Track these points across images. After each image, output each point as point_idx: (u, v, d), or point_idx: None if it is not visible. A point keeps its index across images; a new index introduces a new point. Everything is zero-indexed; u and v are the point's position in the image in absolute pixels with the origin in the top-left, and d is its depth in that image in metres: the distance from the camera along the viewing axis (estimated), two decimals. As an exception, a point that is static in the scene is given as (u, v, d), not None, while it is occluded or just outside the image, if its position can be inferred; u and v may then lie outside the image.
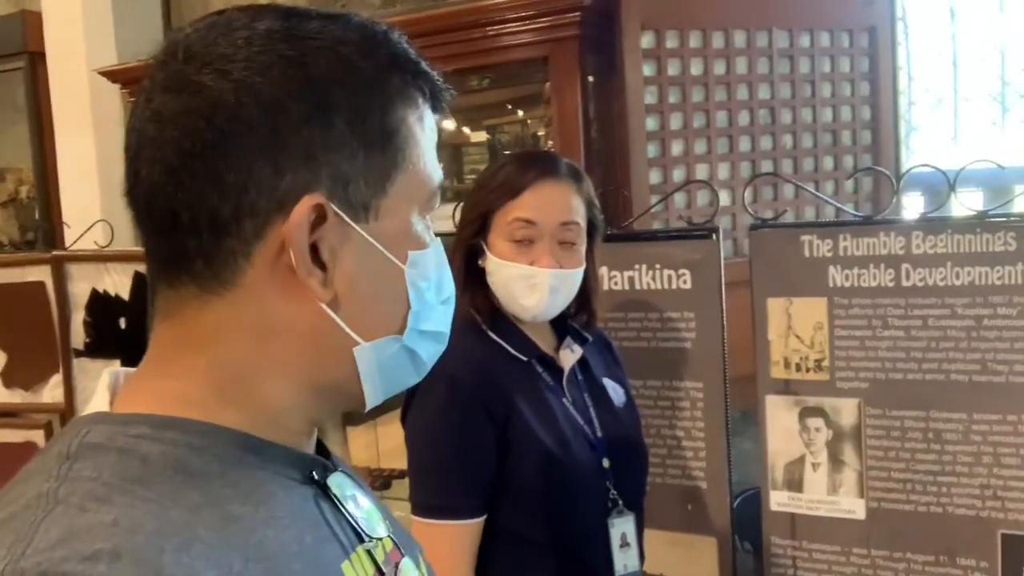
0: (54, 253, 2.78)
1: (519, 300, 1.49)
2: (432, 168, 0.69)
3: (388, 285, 0.67)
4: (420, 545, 0.83)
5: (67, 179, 3.46)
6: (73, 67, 3.37)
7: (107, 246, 2.69)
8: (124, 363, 2.73)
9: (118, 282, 2.71)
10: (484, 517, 1.44)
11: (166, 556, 0.53)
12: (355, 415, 3.24)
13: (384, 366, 0.68)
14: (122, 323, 2.71)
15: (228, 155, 0.60)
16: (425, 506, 1.44)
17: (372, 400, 0.69)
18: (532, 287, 1.47)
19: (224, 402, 0.64)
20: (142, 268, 2.67)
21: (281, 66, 0.61)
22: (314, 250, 0.63)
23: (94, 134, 3.37)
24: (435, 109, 0.70)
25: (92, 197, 3.34)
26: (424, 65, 0.68)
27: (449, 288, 0.73)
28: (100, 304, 2.73)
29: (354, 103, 0.63)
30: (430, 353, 0.72)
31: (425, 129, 0.68)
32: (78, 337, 2.75)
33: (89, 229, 2.73)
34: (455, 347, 1.46)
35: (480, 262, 1.52)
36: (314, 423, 0.70)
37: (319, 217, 0.62)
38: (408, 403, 1.49)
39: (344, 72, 0.63)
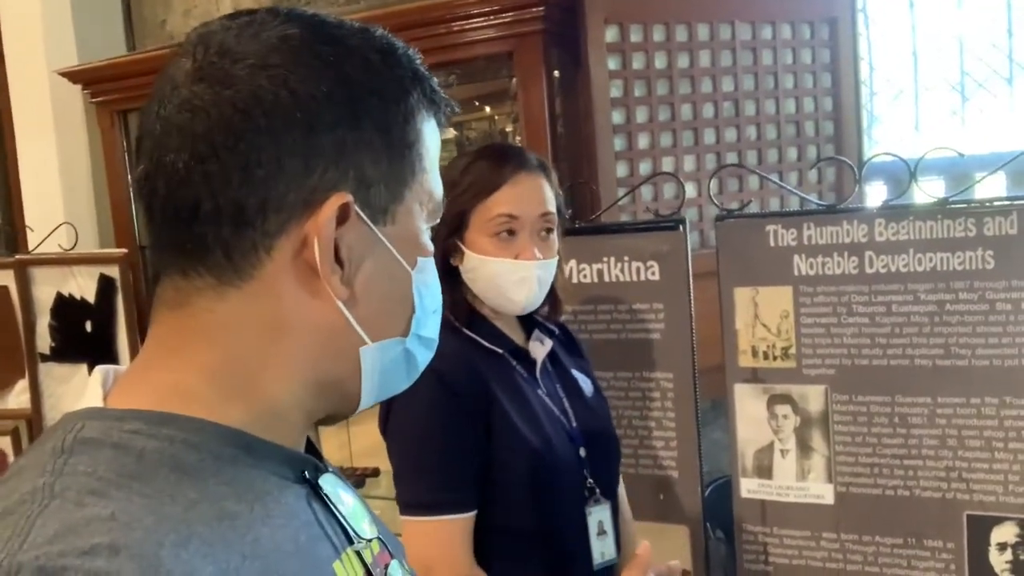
0: (17, 257, 2.75)
1: (508, 295, 1.50)
2: (439, 181, 0.72)
3: (398, 288, 0.69)
4: (404, 547, 0.83)
5: (29, 182, 3.41)
6: (33, 68, 3.32)
7: (71, 249, 2.66)
8: (91, 366, 2.70)
9: (83, 285, 2.68)
10: (476, 510, 1.44)
11: (165, 551, 0.53)
12: (327, 414, 3.22)
13: (385, 368, 0.70)
14: (88, 326, 2.68)
15: (261, 148, 0.61)
16: (419, 504, 1.43)
17: (366, 401, 0.71)
18: (521, 281, 1.49)
19: (225, 396, 0.64)
20: (107, 271, 2.65)
21: (317, 66, 0.63)
22: (334, 248, 0.64)
23: (55, 136, 3.32)
24: (439, 126, 0.72)
25: (55, 200, 3.30)
26: (435, 83, 0.70)
27: (440, 298, 0.75)
28: (65, 308, 2.71)
29: (381, 109, 0.65)
30: (424, 358, 0.74)
31: (434, 144, 0.71)
32: (44, 341, 2.73)
33: (52, 232, 2.70)
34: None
35: (452, 261, 1.52)
36: (311, 420, 0.70)
37: (342, 216, 0.64)
38: (388, 409, 1.48)
39: (374, 79, 0.65)
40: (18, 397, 2.79)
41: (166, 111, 0.63)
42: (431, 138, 0.70)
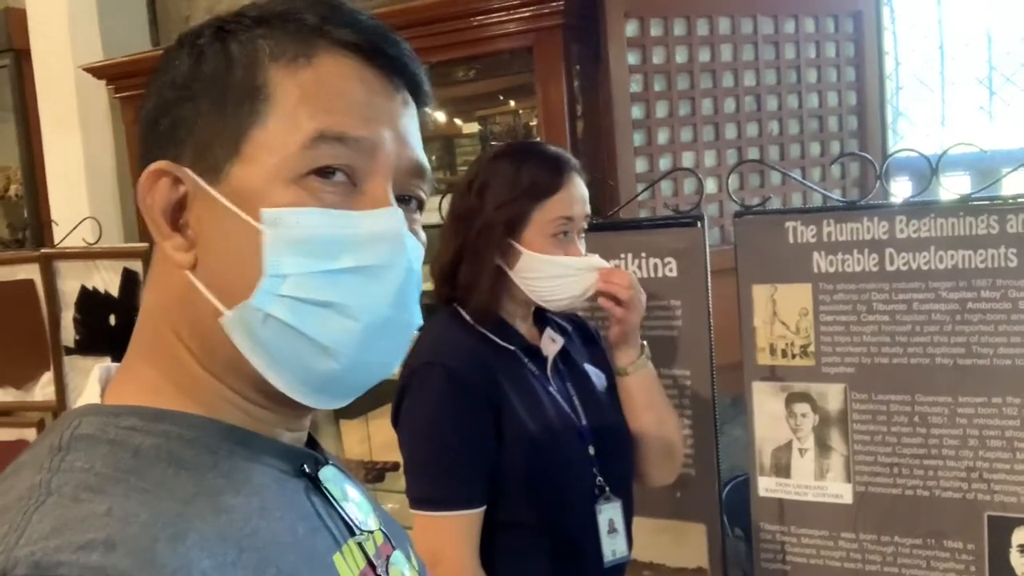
0: (42, 251, 2.77)
1: (570, 291, 1.53)
2: (304, 120, 0.63)
3: (242, 246, 0.63)
4: (411, 539, 0.83)
5: (55, 177, 3.45)
6: (58, 64, 3.36)
7: (95, 243, 2.69)
8: (115, 360, 2.73)
9: (107, 279, 2.71)
10: (485, 506, 1.45)
11: (160, 546, 0.53)
12: (349, 409, 3.24)
13: (261, 340, 0.63)
14: (112, 320, 2.71)
15: (143, 143, 0.68)
16: (428, 499, 1.44)
17: (283, 384, 0.64)
18: (579, 279, 1.53)
19: (175, 387, 0.65)
20: (131, 265, 2.67)
21: (178, 51, 0.67)
22: (179, 217, 0.65)
23: (81, 131, 3.36)
24: (377, 66, 0.66)
25: (80, 194, 3.34)
26: (344, 19, 0.66)
27: (360, 259, 0.64)
28: (90, 301, 2.73)
29: (220, 74, 0.65)
30: (325, 327, 0.64)
31: (305, 82, 0.64)
32: (68, 335, 2.75)
33: (77, 227, 2.73)
34: (444, 339, 1.49)
35: (500, 261, 1.52)
36: (276, 414, 0.68)
37: (174, 183, 0.64)
38: (399, 403, 1.48)
39: (216, 42, 0.66)
40: (43, 389, 2.82)
41: None
42: (291, 78, 0.64)
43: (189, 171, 0.64)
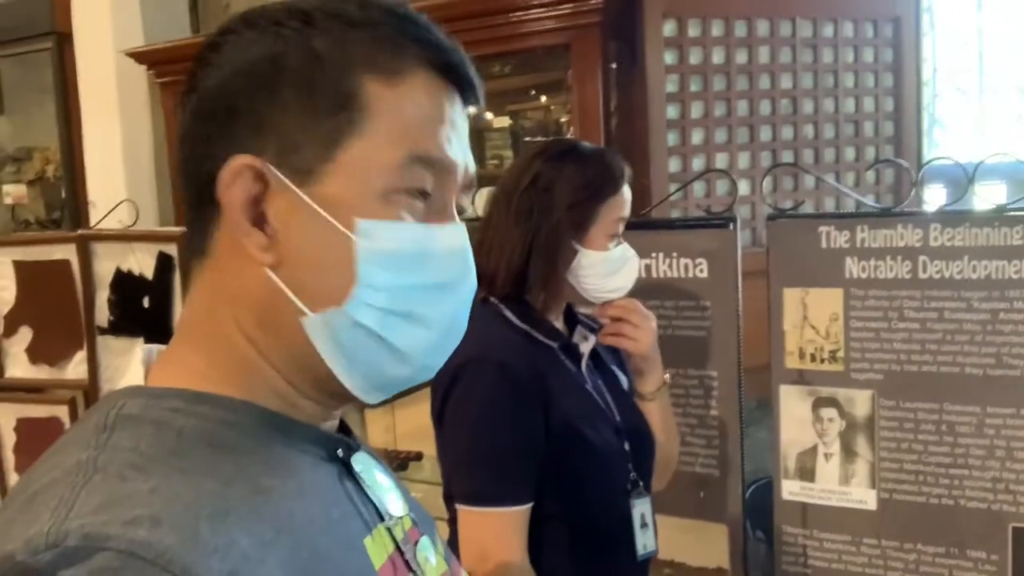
0: (79, 232, 2.81)
1: (618, 284, 1.57)
2: (418, 139, 0.65)
3: (333, 252, 0.64)
4: (447, 531, 0.84)
5: (93, 159, 3.50)
6: (100, 48, 3.40)
7: (132, 226, 2.72)
8: (147, 341, 2.76)
9: (142, 261, 2.73)
10: (533, 502, 1.45)
11: (202, 524, 0.55)
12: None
13: (343, 344, 0.65)
14: (146, 302, 2.74)
15: (207, 126, 0.65)
16: (478, 495, 1.43)
17: (352, 384, 0.67)
18: (627, 268, 1.58)
19: (222, 374, 0.66)
20: (166, 248, 2.71)
21: (249, 41, 0.65)
22: (262, 215, 0.64)
23: (120, 115, 3.40)
24: (452, 83, 0.68)
25: (117, 177, 3.38)
26: (426, 34, 0.66)
27: (439, 274, 0.67)
28: (124, 283, 2.76)
29: (306, 70, 0.64)
30: (405, 336, 0.66)
31: (400, 97, 0.65)
32: (102, 315, 2.78)
33: (114, 209, 2.76)
34: (491, 336, 1.50)
35: (558, 259, 1.53)
36: (321, 405, 0.69)
37: (262, 181, 0.64)
38: (445, 399, 1.48)
39: (305, 43, 0.64)
40: (76, 368, 2.85)
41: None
42: (390, 92, 0.65)
43: (275, 170, 0.63)
